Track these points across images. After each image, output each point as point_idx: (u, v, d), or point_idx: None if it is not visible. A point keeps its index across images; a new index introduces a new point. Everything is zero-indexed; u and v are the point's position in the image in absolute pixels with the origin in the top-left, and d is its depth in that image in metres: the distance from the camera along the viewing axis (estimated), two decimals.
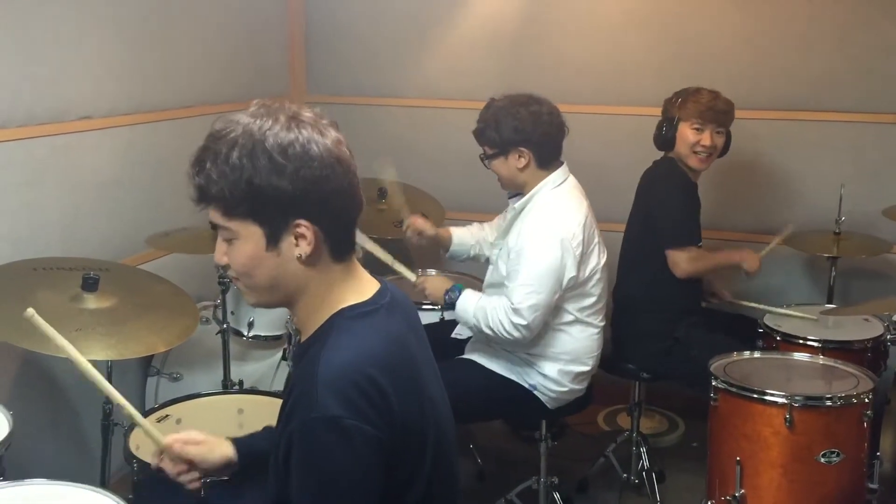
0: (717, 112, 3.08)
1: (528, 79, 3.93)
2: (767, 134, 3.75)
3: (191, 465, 1.66)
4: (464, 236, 3.09)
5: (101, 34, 2.98)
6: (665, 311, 3.14)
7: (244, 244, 1.41)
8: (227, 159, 1.35)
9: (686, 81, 3.22)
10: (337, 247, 1.44)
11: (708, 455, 2.67)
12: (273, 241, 1.40)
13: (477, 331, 2.73)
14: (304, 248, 1.40)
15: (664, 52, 3.79)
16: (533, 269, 2.62)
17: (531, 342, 2.70)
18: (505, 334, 2.63)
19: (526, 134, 2.69)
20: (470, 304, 2.70)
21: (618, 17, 3.84)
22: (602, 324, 2.85)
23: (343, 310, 1.44)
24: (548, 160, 2.75)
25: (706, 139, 3.07)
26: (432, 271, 3.43)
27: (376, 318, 1.45)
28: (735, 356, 2.76)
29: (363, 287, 1.48)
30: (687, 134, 3.09)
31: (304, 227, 1.38)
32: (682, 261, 3.04)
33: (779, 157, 3.76)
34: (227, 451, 1.69)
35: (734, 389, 2.53)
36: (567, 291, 2.69)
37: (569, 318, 2.75)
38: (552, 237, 2.63)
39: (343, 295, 1.45)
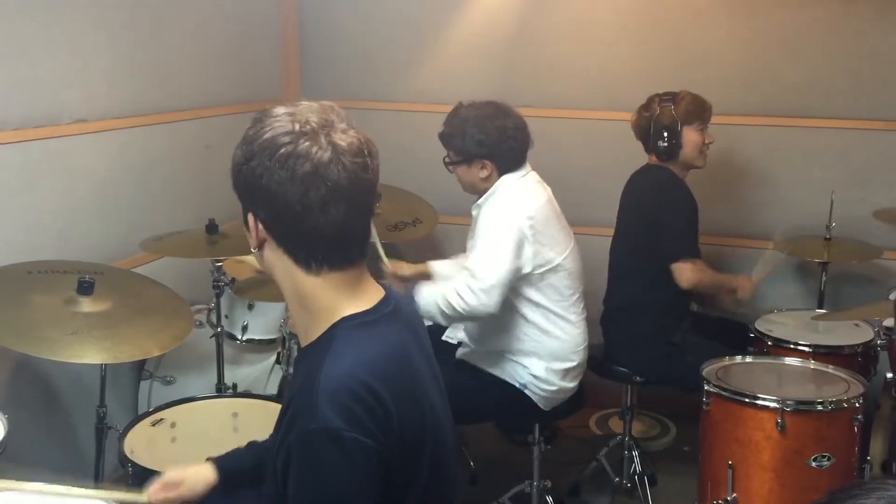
0: (707, 110, 3.18)
1: (518, 83, 3.96)
2: (758, 140, 3.77)
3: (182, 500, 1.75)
4: (445, 269, 3.00)
5: (95, 38, 2.98)
6: (662, 316, 3.15)
7: (243, 216, 1.49)
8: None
9: (677, 87, 3.23)
10: (298, 257, 1.42)
11: (700, 459, 2.68)
12: (245, 223, 1.48)
13: (441, 315, 2.65)
14: (252, 239, 1.46)
15: (656, 58, 3.81)
16: (489, 238, 2.65)
17: (510, 338, 2.73)
18: (463, 304, 2.57)
19: (491, 148, 2.72)
20: (428, 292, 2.67)
21: (610, 22, 3.86)
22: (582, 315, 2.85)
23: (344, 319, 1.43)
24: (510, 169, 2.77)
25: (709, 137, 3.18)
26: None
27: (378, 328, 1.45)
28: (727, 361, 2.78)
29: (366, 296, 1.48)
30: (694, 137, 3.14)
31: (251, 219, 1.44)
32: (689, 272, 3.05)
33: (769, 163, 3.79)
34: (208, 476, 1.77)
35: (726, 394, 2.54)
36: (534, 280, 2.70)
37: (546, 315, 2.75)
38: (508, 212, 2.67)
39: (343, 303, 1.45)
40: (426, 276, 2.99)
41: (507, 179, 2.76)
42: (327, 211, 1.37)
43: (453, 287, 2.61)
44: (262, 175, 1.37)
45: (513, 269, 2.64)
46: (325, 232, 1.39)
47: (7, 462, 1.98)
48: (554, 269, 2.73)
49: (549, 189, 2.85)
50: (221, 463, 1.79)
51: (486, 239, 2.66)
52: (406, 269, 2.93)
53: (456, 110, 2.79)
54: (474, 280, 2.59)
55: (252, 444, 1.84)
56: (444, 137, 2.80)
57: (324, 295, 1.44)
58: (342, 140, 1.38)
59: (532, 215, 2.68)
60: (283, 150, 1.36)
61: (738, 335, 3.17)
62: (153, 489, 1.74)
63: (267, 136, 1.37)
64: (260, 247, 1.45)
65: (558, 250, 2.75)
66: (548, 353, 2.77)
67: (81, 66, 2.93)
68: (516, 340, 2.77)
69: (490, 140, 2.71)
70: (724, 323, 3.40)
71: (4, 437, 2.01)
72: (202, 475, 1.76)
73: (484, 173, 2.75)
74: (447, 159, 2.82)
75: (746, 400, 2.50)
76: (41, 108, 2.79)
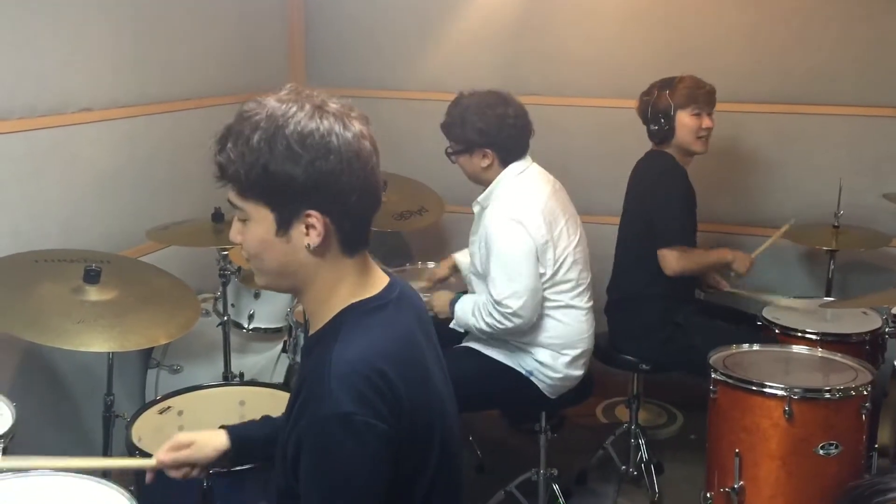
0: (710, 94, 3.13)
1: (525, 71, 3.95)
2: (766, 127, 3.75)
3: (189, 465, 1.71)
4: (464, 259, 3.09)
5: (101, 27, 2.98)
6: (664, 301, 3.14)
7: (256, 226, 1.41)
8: (248, 141, 1.36)
9: (682, 74, 3.22)
10: (348, 241, 1.43)
11: (707, 447, 2.68)
12: (283, 227, 1.40)
13: (478, 331, 2.76)
14: (314, 238, 1.39)
15: (663, 45, 3.79)
16: (503, 257, 2.64)
17: (525, 329, 2.73)
18: (499, 326, 2.66)
19: (491, 136, 2.72)
20: (467, 308, 2.76)
21: (618, 10, 3.84)
22: (589, 304, 2.84)
23: (354, 304, 1.44)
24: (512, 159, 2.76)
25: (707, 122, 3.11)
26: (431, 264, 3.43)
27: (386, 313, 1.45)
28: (734, 349, 2.77)
29: (373, 282, 1.48)
30: (687, 121, 3.10)
31: (315, 217, 1.38)
32: (672, 260, 3.04)
33: (777, 150, 3.77)
34: (219, 443, 1.72)
35: (733, 382, 2.54)
36: (550, 275, 2.70)
37: (552, 303, 2.75)
38: (514, 223, 2.65)
39: (353, 289, 1.45)
40: (455, 269, 3.13)
41: (507, 176, 2.75)
42: (379, 186, 1.44)
43: (484, 312, 2.68)
44: (339, 166, 1.35)
45: (536, 281, 2.66)
46: (373, 211, 1.45)
47: (14, 451, 1.98)
48: (560, 263, 2.73)
49: (553, 180, 2.84)
50: (235, 431, 1.75)
51: (498, 260, 2.64)
52: (440, 272, 3.07)
53: (457, 100, 2.80)
54: (501, 307, 2.63)
55: (266, 418, 1.82)
56: (445, 127, 2.81)
57: (344, 281, 1.44)
58: (356, 118, 1.42)
59: (534, 219, 2.67)
60: (346, 137, 1.37)
61: (745, 322, 3.16)
62: (162, 450, 1.71)
63: (318, 126, 1.35)
64: (324, 242, 1.40)
65: (564, 245, 2.74)
66: (554, 341, 2.76)
67: (87, 55, 2.93)
68: (523, 332, 2.75)
69: (490, 128, 2.71)
70: (730, 311, 3.39)
71: (13, 426, 2.02)
72: (213, 440, 1.72)
73: (485, 162, 2.75)
74: (449, 149, 2.83)
75: (754, 388, 2.49)
76: (47, 98, 2.78)
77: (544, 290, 2.71)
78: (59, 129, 2.83)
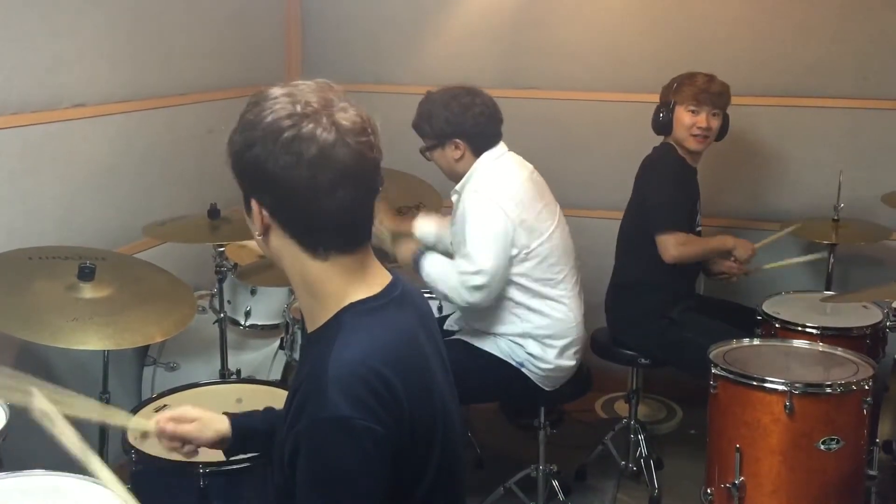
0: (712, 94, 3.10)
1: (525, 65, 3.93)
2: (766, 120, 3.73)
3: (185, 440, 1.68)
4: (430, 230, 3.05)
5: (95, 21, 2.95)
6: (660, 293, 3.13)
7: (244, 203, 1.45)
8: (237, 122, 1.40)
9: (684, 68, 3.21)
10: (308, 242, 1.39)
11: (707, 442, 2.67)
12: (247, 209, 1.43)
13: (441, 295, 2.76)
14: (257, 227, 1.41)
15: (663, 39, 3.77)
16: (477, 233, 2.66)
17: (502, 321, 2.75)
18: (459, 300, 2.68)
19: (458, 126, 2.73)
20: (438, 268, 2.74)
21: (617, 3, 3.82)
22: (572, 293, 2.81)
23: (353, 304, 1.41)
24: (484, 149, 2.77)
25: (701, 121, 3.09)
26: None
27: (386, 313, 1.42)
28: (734, 343, 2.76)
29: (373, 281, 1.45)
30: (683, 117, 3.10)
31: (254, 205, 1.39)
32: (670, 245, 3.03)
33: (777, 143, 3.75)
34: (220, 427, 1.70)
35: (734, 377, 2.52)
36: (523, 261, 2.70)
37: (533, 295, 2.74)
38: (491, 202, 2.66)
39: (350, 289, 1.42)
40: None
41: (483, 161, 2.76)
42: (335, 194, 1.34)
43: (452, 280, 2.67)
44: (266, 160, 1.33)
45: (507, 258, 2.66)
46: (334, 215, 1.36)
47: (8, 450, 1.97)
48: (536, 250, 2.71)
49: (530, 168, 2.84)
50: (237, 419, 1.72)
51: (472, 236, 2.66)
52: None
53: (425, 98, 2.82)
54: (469, 279, 2.63)
55: (269, 410, 1.79)
56: (416, 125, 2.82)
57: (330, 280, 1.41)
58: (345, 119, 1.35)
59: (511, 200, 2.67)
60: (286, 134, 1.32)
61: (745, 318, 3.15)
62: (164, 416, 1.69)
63: (268, 119, 1.33)
64: (264, 233, 1.41)
65: (540, 230, 2.73)
66: (540, 332, 2.76)
67: (81, 49, 2.90)
68: (508, 323, 2.77)
69: (455, 117, 2.72)
70: (730, 306, 3.38)
71: (6, 425, 2.00)
72: (215, 423, 1.69)
73: (458, 154, 2.76)
74: (422, 147, 2.83)
75: (754, 383, 2.48)
76: (40, 93, 2.76)
77: (520, 276, 2.71)
78: (53, 125, 2.81)
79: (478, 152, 2.76)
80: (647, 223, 3.10)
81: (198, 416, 1.69)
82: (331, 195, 1.34)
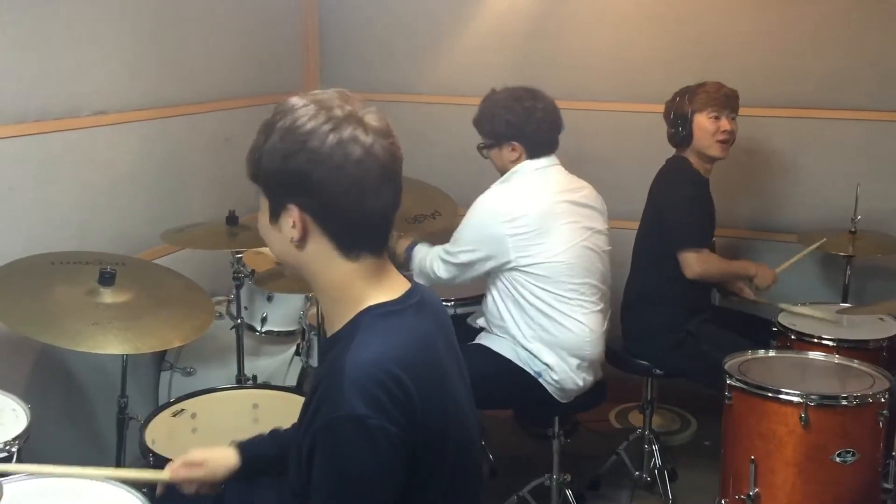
0: (729, 97, 3.11)
1: (541, 75, 3.92)
2: (781, 132, 3.73)
3: (200, 483, 1.77)
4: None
5: (116, 30, 2.99)
6: (677, 306, 3.13)
7: (261, 214, 1.48)
8: (259, 131, 1.42)
9: (699, 78, 3.20)
10: (342, 243, 1.43)
11: (722, 453, 2.66)
12: (273, 217, 1.45)
13: (416, 270, 2.87)
14: (294, 232, 1.42)
15: (677, 49, 3.78)
16: (466, 226, 2.75)
17: (519, 325, 2.76)
18: (429, 269, 2.81)
19: (518, 129, 2.75)
20: (419, 252, 2.88)
21: (631, 13, 3.83)
22: (592, 309, 2.79)
23: (370, 307, 1.44)
24: (540, 154, 2.79)
25: (725, 125, 3.09)
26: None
27: (403, 318, 1.45)
28: (749, 355, 2.75)
29: (392, 286, 1.48)
30: (705, 124, 3.08)
31: (294, 211, 1.41)
32: (693, 262, 3.03)
33: (793, 155, 3.74)
34: (229, 462, 1.77)
35: (749, 388, 2.52)
36: (526, 273, 2.70)
37: (548, 308, 2.74)
38: (499, 206, 2.71)
39: (370, 292, 1.45)
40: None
41: (525, 166, 2.78)
42: (380, 193, 1.40)
43: (431, 255, 2.83)
44: (313, 165, 1.36)
45: (485, 256, 2.71)
46: (378, 214, 1.42)
47: (29, 452, 1.99)
48: (542, 265, 2.70)
49: (576, 183, 2.84)
50: (244, 448, 1.80)
51: (463, 226, 2.76)
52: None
53: (487, 95, 2.85)
54: (443, 254, 2.78)
55: (275, 432, 1.84)
56: (476, 122, 2.86)
57: (354, 283, 1.45)
58: (373, 122, 1.40)
59: (514, 214, 2.67)
60: (330, 138, 1.36)
61: (760, 329, 3.14)
62: (175, 465, 1.76)
63: (308, 126, 1.36)
64: (301, 238, 1.42)
65: (551, 244, 2.70)
66: (557, 343, 2.75)
67: (101, 58, 2.94)
68: (525, 327, 2.76)
69: (517, 120, 2.74)
70: (745, 317, 3.36)
71: (27, 428, 2.03)
72: (224, 459, 1.77)
73: (514, 156, 2.78)
74: (480, 144, 2.86)
75: (770, 394, 2.47)
76: (61, 101, 2.79)
77: (529, 283, 2.72)
78: (73, 133, 2.84)
79: (533, 156, 2.78)
80: (665, 237, 3.09)
81: (205, 458, 1.76)
82: (376, 194, 1.40)
